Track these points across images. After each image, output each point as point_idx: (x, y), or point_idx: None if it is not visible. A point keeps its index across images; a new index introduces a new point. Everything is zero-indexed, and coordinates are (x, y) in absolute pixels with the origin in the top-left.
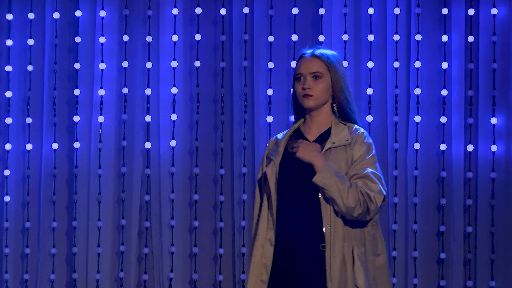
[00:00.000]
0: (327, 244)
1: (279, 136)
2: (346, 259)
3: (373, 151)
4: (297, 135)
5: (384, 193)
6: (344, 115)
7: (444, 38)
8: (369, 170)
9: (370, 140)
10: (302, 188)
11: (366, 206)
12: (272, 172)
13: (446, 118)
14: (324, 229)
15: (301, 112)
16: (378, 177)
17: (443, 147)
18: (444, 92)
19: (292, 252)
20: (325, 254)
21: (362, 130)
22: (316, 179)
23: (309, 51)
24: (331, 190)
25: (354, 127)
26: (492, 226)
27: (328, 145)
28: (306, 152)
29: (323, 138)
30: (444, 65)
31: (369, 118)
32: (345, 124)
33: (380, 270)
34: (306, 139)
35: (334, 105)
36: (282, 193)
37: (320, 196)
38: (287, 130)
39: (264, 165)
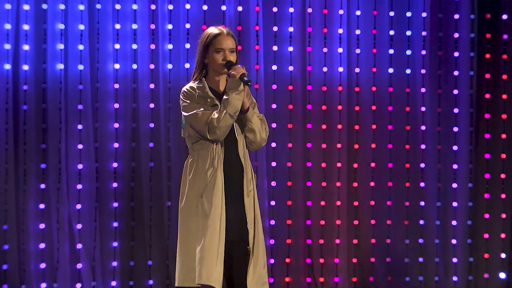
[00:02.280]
0: (244, 170)
1: (195, 86)
2: (251, 176)
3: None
4: (212, 91)
5: None
6: None
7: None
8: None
9: None
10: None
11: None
12: None
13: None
14: (241, 160)
15: (201, 73)
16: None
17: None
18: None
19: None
20: (243, 177)
21: None
22: (249, 113)
23: (225, 31)
24: (255, 123)
25: None
26: None
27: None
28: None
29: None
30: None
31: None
32: None
33: None
34: (220, 95)
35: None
36: None
37: (236, 135)
38: (193, 84)
39: (198, 102)
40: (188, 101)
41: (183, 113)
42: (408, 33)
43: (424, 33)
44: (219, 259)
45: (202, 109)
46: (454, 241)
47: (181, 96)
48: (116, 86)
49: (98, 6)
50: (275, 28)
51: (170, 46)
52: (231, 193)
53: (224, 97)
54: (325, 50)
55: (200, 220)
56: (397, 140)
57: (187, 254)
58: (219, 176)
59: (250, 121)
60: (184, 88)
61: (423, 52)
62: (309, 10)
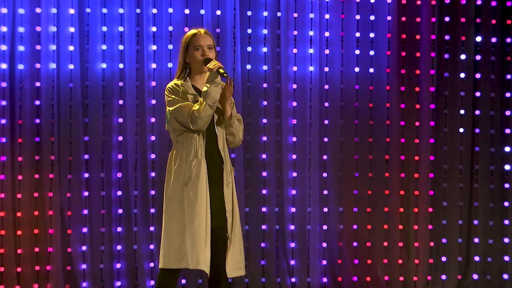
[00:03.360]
0: (224, 162)
1: (179, 83)
2: (230, 168)
3: None
4: (194, 89)
5: None
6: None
7: None
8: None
9: None
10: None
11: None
12: None
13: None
14: (221, 154)
15: (183, 72)
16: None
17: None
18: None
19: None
20: (223, 169)
21: None
22: (232, 120)
23: (202, 30)
24: (235, 128)
25: None
26: None
27: None
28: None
29: None
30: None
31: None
32: None
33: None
34: (198, 89)
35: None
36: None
37: (216, 131)
38: (177, 81)
39: (182, 97)
40: (173, 96)
41: (168, 107)
42: (372, 35)
43: (388, 35)
44: (207, 245)
45: (186, 103)
46: (415, 227)
47: (166, 92)
48: (104, 84)
49: (88, 10)
50: (249, 30)
51: (154, 47)
52: (212, 184)
53: (203, 89)
54: (295, 50)
55: (186, 208)
56: (363, 134)
57: (171, 238)
58: (203, 166)
59: (231, 127)
60: (169, 85)
61: (388, 52)
62: (279, 14)
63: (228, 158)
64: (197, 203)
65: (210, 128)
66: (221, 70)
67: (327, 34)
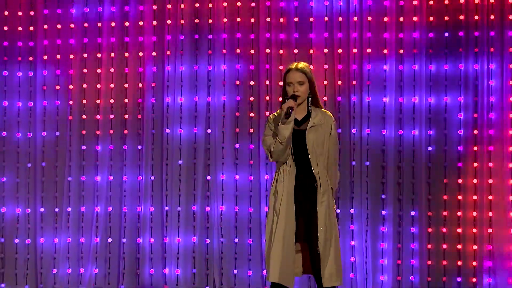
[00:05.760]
0: (318, 182)
1: (276, 114)
2: (328, 189)
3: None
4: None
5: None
6: (315, 102)
7: None
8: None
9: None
10: (301, 150)
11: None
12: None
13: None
14: (313, 172)
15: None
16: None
17: None
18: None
19: (299, 188)
20: (317, 188)
21: (330, 114)
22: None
23: (293, 66)
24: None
25: (326, 113)
26: None
27: (310, 123)
28: None
29: (305, 119)
30: None
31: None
32: (319, 108)
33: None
34: (299, 122)
35: (309, 98)
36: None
37: (309, 155)
38: (279, 111)
39: (271, 129)
40: (267, 127)
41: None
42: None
43: (355, 50)
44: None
45: (270, 135)
46: (384, 212)
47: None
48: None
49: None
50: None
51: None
52: (301, 202)
53: (279, 125)
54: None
55: (272, 224)
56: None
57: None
58: (286, 186)
59: None
60: (270, 115)
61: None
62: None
63: (326, 178)
64: (278, 220)
65: (301, 153)
66: (284, 108)
67: (295, 51)
